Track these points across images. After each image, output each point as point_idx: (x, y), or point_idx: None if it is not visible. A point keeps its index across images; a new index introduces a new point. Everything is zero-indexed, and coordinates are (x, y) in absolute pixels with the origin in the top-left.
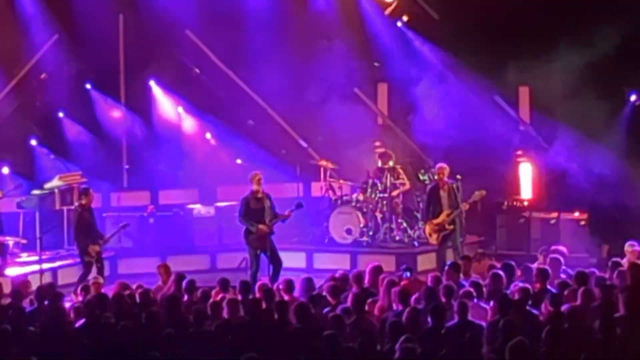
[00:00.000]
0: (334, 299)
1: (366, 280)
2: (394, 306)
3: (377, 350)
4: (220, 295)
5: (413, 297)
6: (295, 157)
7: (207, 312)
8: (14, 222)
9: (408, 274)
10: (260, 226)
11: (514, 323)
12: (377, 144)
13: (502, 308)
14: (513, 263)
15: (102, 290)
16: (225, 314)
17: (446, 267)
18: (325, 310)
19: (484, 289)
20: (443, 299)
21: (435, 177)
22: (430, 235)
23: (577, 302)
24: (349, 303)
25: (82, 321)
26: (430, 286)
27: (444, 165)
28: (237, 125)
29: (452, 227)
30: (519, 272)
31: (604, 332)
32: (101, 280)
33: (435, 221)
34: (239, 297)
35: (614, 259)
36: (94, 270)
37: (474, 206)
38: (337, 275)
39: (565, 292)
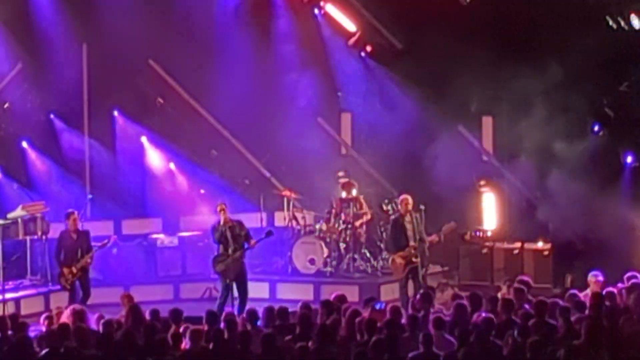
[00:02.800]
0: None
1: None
2: (358, 336)
3: None
4: (177, 327)
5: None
6: (258, 187)
7: (168, 343)
8: None
9: (382, 305)
10: (230, 251)
11: (473, 354)
12: (341, 173)
13: (462, 339)
14: (480, 293)
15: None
16: (185, 344)
17: (418, 296)
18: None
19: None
20: (407, 329)
21: (399, 207)
22: (396, 268)
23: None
24: (315, 332)
25: (45, 351)
26: (390, 317)
27: (407, 196)
28: (200, 155)
29: (417, 259)
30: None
31: None
32: (64, 309)
33: (402, 254)
34: (205, 327)
35: (572, 292)
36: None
37: (440, 238)
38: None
39: (530, 323)
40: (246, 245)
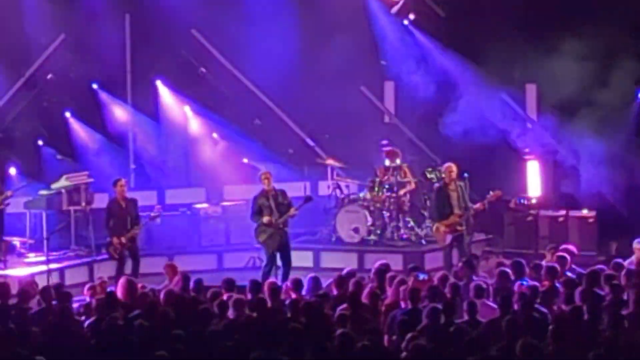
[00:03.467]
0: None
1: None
2: (402, 304)
3: (385, 347)
4: (226, 295)
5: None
6: (302, 156)
7: (214, 312)
8: (21, 223)
9: (425, 276)
10: (265, 218)
11: (516, 322)
12: (384, 142)
13: (504, 306)
14: (523, 261)
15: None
16: (230, 313)
17: (460, 264)
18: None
19: (491, 288)
20: (449, 297)
21: (443, 176)
22: (440, 237)
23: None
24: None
25: (89, 320)
26: (435, 285)
27: (452, 164)
28: (243, 124)
29: (462, 228)
30: (528, 270)
31: (612, 330)
32: (106, 279)
33: (446, 222)
34: (249, 296)
35: (617, 261)
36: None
37: (485, 206)
38: (344, 273)
39: (577, 291)
40: (287, 214)
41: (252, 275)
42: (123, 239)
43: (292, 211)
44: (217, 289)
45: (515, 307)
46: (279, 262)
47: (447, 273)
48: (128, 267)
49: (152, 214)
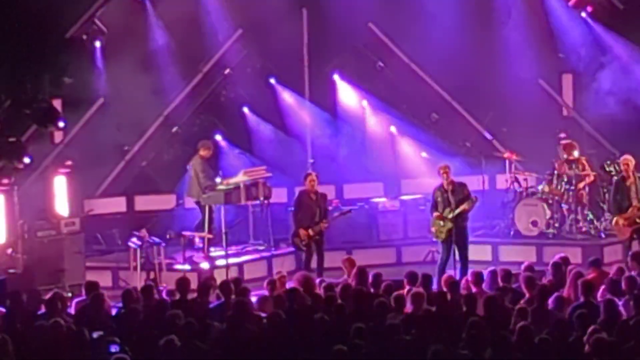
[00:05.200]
0: (529, 291)
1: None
2: (581, 298)
3: (567, 341)
4: (407, 289)
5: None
6: (479, 149)
7: (390, 305)
8: (199, 218)
9: None
10: (436, 214)
11: None
12: (562, 135)
13: None
14: None
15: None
16: (408, 307)
17: (628, 257)
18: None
19: None
20: (626, 290)
21: (621, 169)
22: (620, 230)
23: None
24: (535, 293)
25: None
26: (614, 278)
27: (629, 157)
28: (421, 118)
29: None
30: None
31: None
32: (285, 274)
33: (625, 215)
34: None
35: None
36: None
37: None
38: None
39: None
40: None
41: (430, 270)
42: (310, 231)
43: (463, 206)
44: (391, 283)
45: None
46: (457, 256)
47: (624, 266)
48: (314, 262)
49: (345, 210)
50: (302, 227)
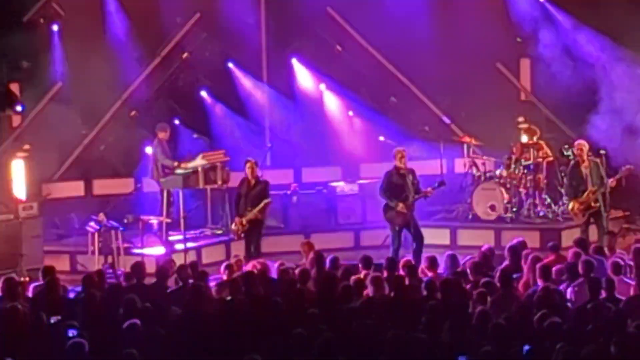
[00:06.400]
0: (475, 277)
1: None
2: (539, 282)
3: (525, 325)
4: (363, 273)
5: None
6: (438, 134)
7: (350, 290)
8: (157, 202)
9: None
10: (400, 204)
11: None
12: (521, 119)
13: None
14: None
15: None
16: (368, 291)
17: (572, 243)
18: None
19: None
20: (582, 274)
21: (576, 153)
22: (576, 214)
23: None
24: (496, 278)
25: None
26: (572, 262)
27: (582, 141)
28: (379, 102)
29: (597, 204)
30: None
31: None
32: (242, 258)
33: (580, 199)
34: (385, 274)
35: None
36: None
37: (620, 182)
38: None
39: None
40: (423, 192)
41: (388, 253)
42: (243, 220)
43: (429, 190)
44: (352, 267)
45: None
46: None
47: (580, 250)
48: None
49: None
50: (237, 214)
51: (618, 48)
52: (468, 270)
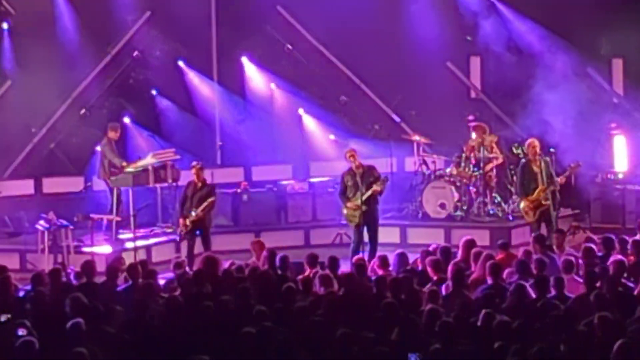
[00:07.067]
0: (435, 274)
1: (459, 254)
2: (489, 280)
3: (473, 323)
4: (311, 271)
5: (505, 271)
6: (388, 132)
7: (298, 288)
8: (107, 200)
9: None
10: (348, 204)
11: (604, 297)
12: (471, 117)
13: (591, 281)
14: (613, 236)
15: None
16: (317, 289)
17: (531, 240)
18: (429, 285)
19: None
20: (535, 272)
21: (527, 151)
22: (526, 212)
23: None
24: (449, 275)
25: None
26: (522, 259)
27: (534, 140)
28: (329, 100)
29: (547, 202)
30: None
31: None
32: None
33: (531, 198)
34: (327, 272)
35: None
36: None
37: (569, 179)
38: (431, 249)
39: None
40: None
41: (339, 252)
42: (187, 221)
43: (374, 188)
44: (300, 265)
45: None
46: (366, 238)
47: (531, 249)
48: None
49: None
50: (181, 216)
51: (564, 45)
52: (429, 269)
